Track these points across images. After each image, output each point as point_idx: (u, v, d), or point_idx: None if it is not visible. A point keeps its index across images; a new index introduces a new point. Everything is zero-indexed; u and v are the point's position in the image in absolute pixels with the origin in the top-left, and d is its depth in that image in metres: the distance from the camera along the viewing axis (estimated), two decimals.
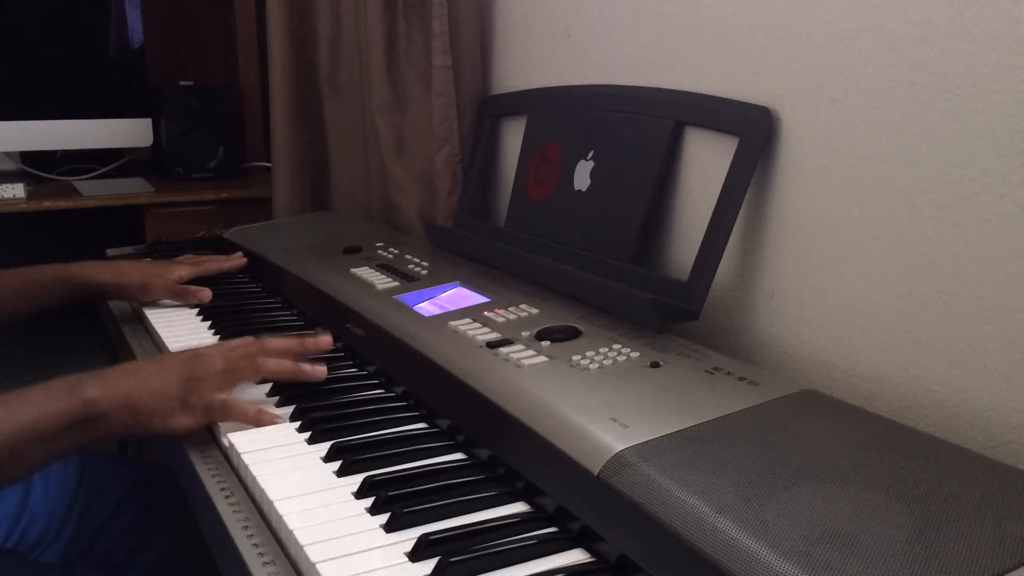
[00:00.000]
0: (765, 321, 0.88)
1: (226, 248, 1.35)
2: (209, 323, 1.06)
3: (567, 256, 1.02)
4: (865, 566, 0.47)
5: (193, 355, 0.79)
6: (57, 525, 0.99)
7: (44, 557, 0.97)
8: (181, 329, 1.05)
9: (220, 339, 1.00)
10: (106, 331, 1.25)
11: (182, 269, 1.16)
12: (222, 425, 0.78)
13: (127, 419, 0.73)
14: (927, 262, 0.73)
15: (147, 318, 1.09)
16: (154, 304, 1.14)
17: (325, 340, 0.86)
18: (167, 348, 0.99)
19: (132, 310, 1.18)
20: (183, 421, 0.76)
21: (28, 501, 0.98)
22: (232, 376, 0.78)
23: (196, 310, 1.11)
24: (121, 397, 0.73)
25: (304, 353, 0.84)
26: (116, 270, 1.13)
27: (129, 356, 1.05)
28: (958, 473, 0.57)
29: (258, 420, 0.77)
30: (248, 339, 0.83)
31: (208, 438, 0.80)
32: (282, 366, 0.81)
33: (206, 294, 1.13)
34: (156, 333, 1.04)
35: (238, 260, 1.26)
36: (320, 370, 0.83)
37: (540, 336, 0.83)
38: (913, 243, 0.74)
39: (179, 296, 1.13)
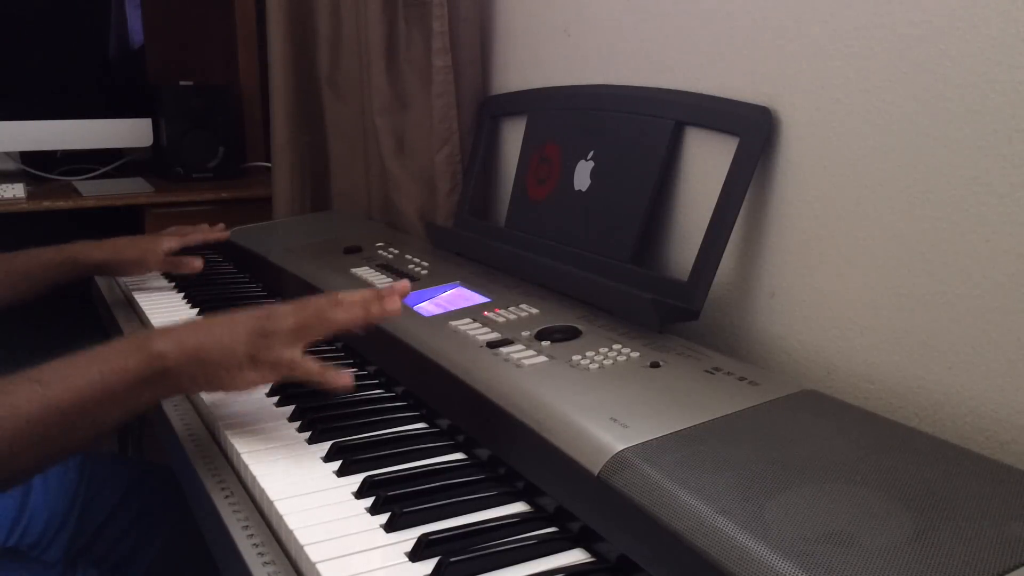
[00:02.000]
0: (765, 321, 0.88)
1: (226, 248, 1.36)
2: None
3: (567, 256, 1.02)
4: (865, 566, 0.47)
5: (265, 312, 0.77)
6: (57, 524, 0.99)
7: (45, 556, 0.97)
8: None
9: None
10: (99, 317, 1.26)
11: (171, 240, 1.21)
12: (221, 425, 0.78)
13: (196, 373, 0.71)
14: (927, 262, 0.73)
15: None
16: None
17: (402, 285, 0.81)
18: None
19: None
20: (251, 376, 0.73)
21: (28, 500, 0.98)
22: (303, 333, 0.75)
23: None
24: (190, 351, 0.71)
25: (379, 300, 0.78)
26: (114, 248, 1.18)
27: None
28: (958, 473, 0.57)
29: (325, 377, 0.75)
30: (323, 295, 0.80)
31: (208, 438, 0.80)
32: (353, 315, 0.77)
33: (198, 263, 1.19)
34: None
35: (220, 232, 1.31)
36: (393, 309, 0.78)
37: (540, 336, 0.83)
38: (913, 243, 0.74)
39: (173, 266, 1.19)
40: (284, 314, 0.75)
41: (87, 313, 1.39)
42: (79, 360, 0.67)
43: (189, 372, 0.71)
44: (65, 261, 1.14)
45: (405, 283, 0.81)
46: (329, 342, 0.99)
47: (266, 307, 0.77)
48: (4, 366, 0.68)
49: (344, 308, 0.76)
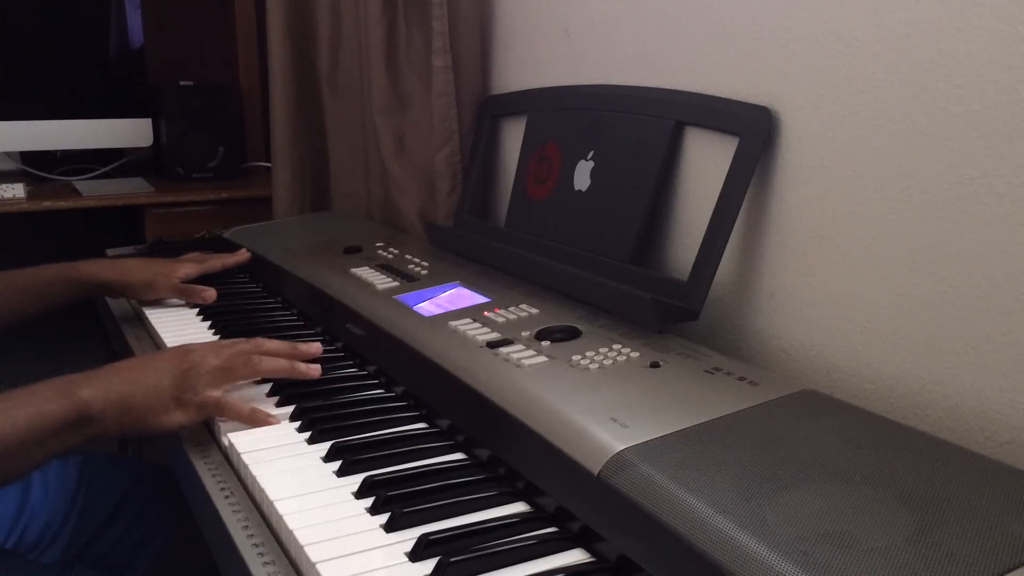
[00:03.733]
0: (765, 321, 0.88)
1: (227, 248, 1.36)
2: (209, 323, 1.06)
3: (567, 256, 1.02)
4: (865, 566, 0.47)
5: (186, 350, 0.79)
6: (57, 525, 0.99)
7: (44, 557, 0.97)
8: (181, 330, 1.05)
9: (220, 339, 1.00)
10: (106, 331, 1.25)
11: (188, 267, 1.16)
12: (222, 425, 0.78)
13: (122, 418, 0.73)
14: (927, 262, 0.73)
15: (147, 318, 1.09)
16: (154, 304, 1.14)
17: (316, 347, 0.87)
18: (166, 346, 0.99)
19: (132, 310, 1.18)
20: (177, 417, 0.75)
21: (28, 501, 0.98)
22: (226, 373, 0.78)
23: (196, 310, 1.11)
24: (115, 396, 0.73)
25: (296, 356, 0.84)
26: (123, 268, 1.14)
27: (128, 355, 1.05)
28: (958, 473, 0.57)
29: (252, 419, 0.77)
30: (242, 339, 0.84)
31: (208, 438, 0.80)
32: (277, 364, 0.82)
33: (211, 293, 1.13)
34: (156, 333, 1.04)
35: (242, 256, 1.26)
36: (314, 368, 0.83)
37: (540, 336, 0.83)
38: (913, 243, 0.74)
39: (184, 295, 1.13)
40: (208, 353, 0.78)
41: (96, 329, 1.38)
42: (4, 402, 0.69)
43: (115, 417, 0.73)
44: (68, 280, 1.10)
45: (318, 345, 0.87)
46: (329, 343, 0.99)
47: (187, 346, 0.80)
48: (10, 377, 0.69)
49: (269, 358, 0.81)
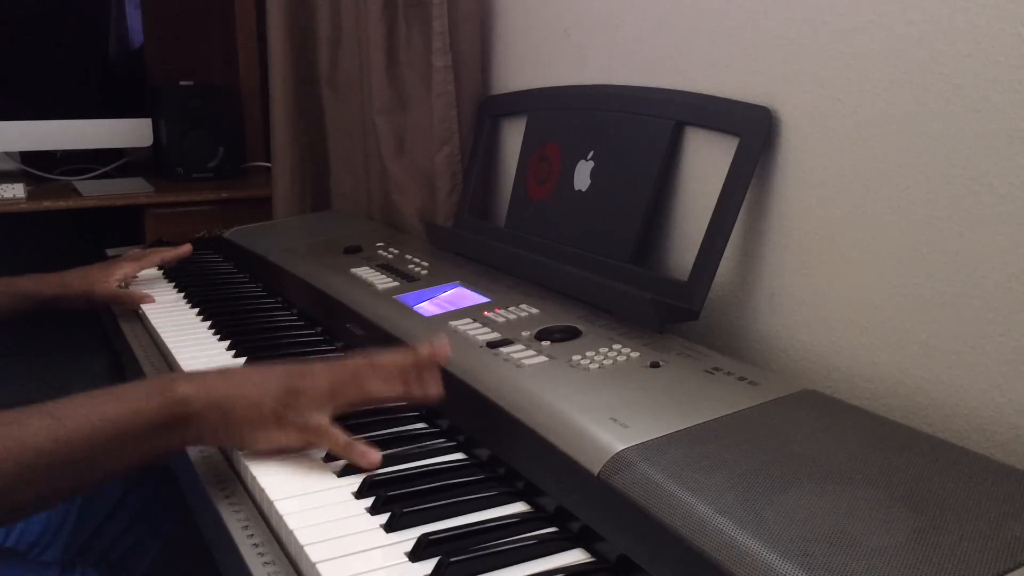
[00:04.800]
0: (765, 321, 0.88)
1: (226, 248, 1.36)
2: (210, 323, 1.06)
3: (567, 256, 1.02)
4: (865, 566, 0.47)
5: (299, 369, 0.72)
6: (56, 524, 0.99)
7: (44, 555, 0.97)
8: (181, 330, 1.05)
9: (220, 339, 1.00)
10: (105, 331, 1.25)
11: (125, 267, 1.15)
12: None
13: (219, 425, 0.67)
14: (927, 262, 0.73)
15: (147, 318, 1.09)
16: (154, 303, 1.14)
17: (442, 347, 0.75)
18: (166, 346, 0.99)
19: (135, 314, 1.18)
20: (275, 437, 0.69)
21: None
22: (336, 397, 0.71)
23: (196, 310, 1.11)
24: (215, 400, 0.67)
25: (418, 367, 0.74)
26: (60, 282, 1.11)
27: (128, 355, 1.05)
28: (958, 473, 0.57)
29: (348, 452, 0.69)
30: (359, 359, 0.75)
31: None
32: (391, 387, 0.73)
33: (148, 298, 1.12)
34: (157, 333, 1.04)
35: (183, 249, 1.24)
36: (434, 390, 0.74)
37: (540, 336, 0.83)
38: (913, 243, 0.74)
39: (121, 300, 1.13)
40: (317, 374, 0.71)
41: (96, 328, 1.38)
42: (97, 397, 0.64)
43: (211, 422, 0.67)
44: (13, 295, 1.08)
45: (446, 346, 0.75)
46: (329, 343, 0.99)
47: (300, 364, 0.73)
48: (10, 376, 0.67)
49: (381, 378, 0.73)
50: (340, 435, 0.70)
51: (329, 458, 0.71)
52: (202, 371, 0.71)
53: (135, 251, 1.23)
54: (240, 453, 0.72)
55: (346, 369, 0.73)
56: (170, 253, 1.22)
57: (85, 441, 0.61)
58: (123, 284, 1.16)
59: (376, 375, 0.73)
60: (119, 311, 1.17)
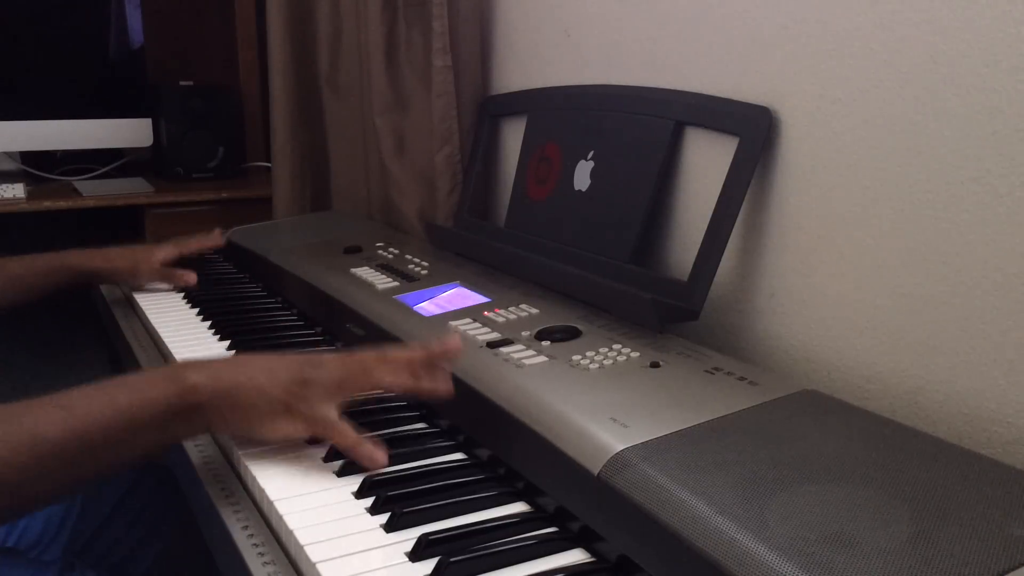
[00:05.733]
0: (765, 321, 0.88)
1: (226, 248, 1.36)
2: (210, 323, 1.06)
3: (567, 256, 1.02)
4: (865, 566, 0.47)
5: (308, 360, 0.72)
6: (56, 524, 0.99)
7: (44, 555, 0.97)
8: (180, 329, 1.05)
9: (220, 339, 1.01)
10: (105, 330, 1.26)
11: (166, 250, 1.23)
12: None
13: (228, 412, 0.68)
14: (927, 262, 0.73)
15: (148, 320, 1.09)
16: (154, 303, 1.15)
17: (453, 344, 0.75)
18: (165, 345, 0.99)
19: (126, 298, 1.22)
20: (284, 426, 0.69)
21: None
22: (346, 388, 0.71)
23: (196, 310, 1.11)
24: (225, 388, 0.68)
25: (429, 362, 0.75)
26: (107, 256, 1.19)
27: (124, 346, 1.06)
28: (958, 473, 0.57)
29: (356, 449, 0.70)
30: (369, 351, 0.75)
31: (208, 438, 0.80)
32: (399, 379, 0.73)
33: (191, 277, 1.20)
34: (156, 333, 1.04)
35: (216, 238, 1.33)
36: (443, 386, 0.74)
37: (540, 336, 0.83)
38: (913, 243, 0.74)
39: (166, 278, 1.20)
40: (328, 365, 0.72)
41: (87, 311, 1.39)
42: (108, 387, 0.65)
43: (221, 410, 0.68)
44: (62, 268, 1.14)
45: (457, 341, 0.75)
46: (329, 343, 0.99)
47: (310, 355, 0.74)
48: (9, 376, 0.67)
49: (391, 369, 0.73)
50: (349, 431, 0.70)
51: (329, 458, 0.71)
52: (212, 359, 0.71)
53: (175, 239, 1.30)
54: (241, 453, 0.72)
55: (356, 361, 0.73)
56: (208, 241, 1.32)
57: (98, 432, 0.62)
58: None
59: (386, 367, 0.73)
60: (118, 310, 1.18)
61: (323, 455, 0.72)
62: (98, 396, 0.63)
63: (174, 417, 0.66)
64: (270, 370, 0.70)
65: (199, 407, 0.67)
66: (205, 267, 1.29)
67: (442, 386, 0.74)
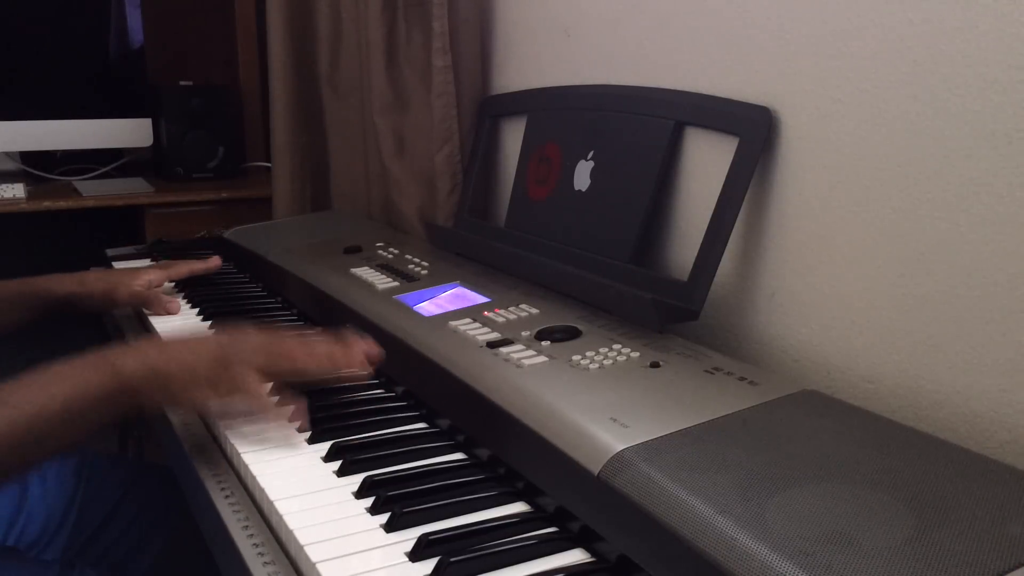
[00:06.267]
0: (765, 321, 0.88)
1: (226, 248, 1.35)
2: (210, 323, 1.06)
3: (567, 256, 1.02)
4: (865, 566, 0.47)
5: (231, 339, 0.77)
6: (56, 523, 0.99)
7: (43, 555, 0.97)
8: (182, 332, 1.05)
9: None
10: (101, 320, 1.25)
11: (151, 274, 1.12)
12: (221, 425, 0.77)
13: (156, 391, 0.72)
14: (927, 262, 0.73)
15: (150, 321, 1.09)
16: (178, 312, 1.11)
17: (376, 355, 0.81)
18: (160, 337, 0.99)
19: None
20: (208, 395, 0.74)
21: (26, 499, 0.98)
22: (266, 370, 0.76)
23: (196, 310, 1.11)
24: (151, 369, 0.72)
25: (348, 364, 0.79)
26: (80, 280, 1.10)
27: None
28: (958, 473, 0.57)
29: (267, 414, 0.75)
30: (292, 336, 0.80)
31: (208, 438, 0.80)
32: (320, 368, 0.78)
33: (175, 306, 1.10)
34: (154, 330, 1.04)
35: (213, 263, 1.21)
36: (363, 372, 0.79)
37: (540, 336, 0.83)
38: (913, 243, 0.74)
39: (147, 303, 1.10)
40: (251, 347, 0.76)
41: (99, 335, 1.37)
42: (42, 378, 0.69)
43: (149, 390, 0.72)
44: (31, 295, 1.05)
45: (375, 350, 0.81)
46: None
47: (233, 332, 0.78)
48: (4, 372, 0.68)
49: (314, 358, 0.78)
50: (265, 398, 0.75)
51: (329, 458, 0.71)
52: (137, 343, 0.78)
53: (164, 261, 1.20)
54: (241, 453, 0.72)
55: (279, 346, 0.78)
56: (200, 265, 1.20)
57: (40, 422, 0.66)
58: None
59: (310, 359, 0.78)
60: (122, 318, 1.17)
61: (323, 454, 0.72)
62: (35, 388, 0.68)
63: (106, 400, 0.70)
64: (193, 350, 0.75)
65: (128, 390, 0.71)
66: (206, 267, 1.29)
67: (361, 370, 0.79)
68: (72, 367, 0.70)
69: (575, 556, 0.58)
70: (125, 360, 0.71)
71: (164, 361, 0.73)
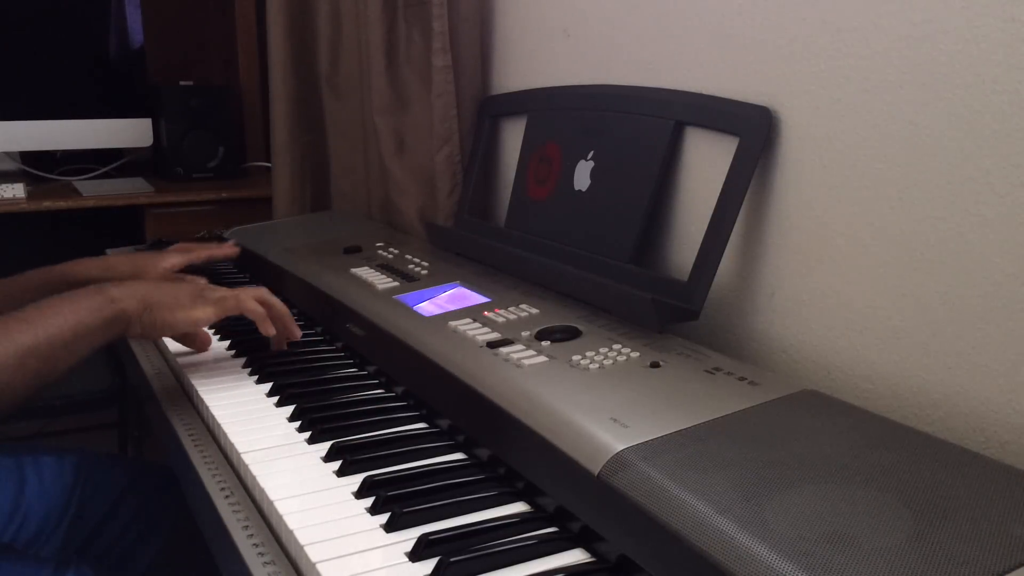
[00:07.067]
0: (765, 321, 0.88)
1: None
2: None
3: (567, 256, 1.02)
4: (865, 566, 0.47)
5: (193, 281, 1.00)
6: (54, 520, 0.99)
7: (41, 552, 0.97)
8: None
9: (220, 338, 1.01)
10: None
11: (173, 257, 1.16)
12: (221, 422, 0.78)
13: (145, 315, 0.85)
14: (927, 262, 0.73)
15: None
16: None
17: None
18: (165, 344, 0.99)
19: None
20: (197, 313, 0.88)
21: (24, 495, 0.98)
22: (225, 300, 0.91)
23: None
24: (140, 297, 0.86)
25: (274, 321, 0.94)
26: (107, 264, 1.12)
27: (128, 354, 1.06)
28: (958, 473, 0.57)
29: (264, 320, 0.91)
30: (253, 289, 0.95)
31: (208, 438, 0.80)
32: (257, 311, 0.92)
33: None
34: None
35: (230, 249, 1.26)
36: (275, 337, 0.94)
37: (540, 336, 0.83)
38: (913, 243, 0.74)
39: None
40: (215, 288, 0.94)
41: None
42: (55, 305, 0.81)
43: (139, 313, 0.85)
44: (56, 280, 1.06)
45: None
46: (329, 343, 0.99)
47: (196, 282, 0.98)
48: None
49: (255, 302, 0.92)
50: (256, 305, 0.92)
51: (329, 458, 0.71)
52: (123, 281, 0.90)
53: (182, 244, 1.24)
54: (242, 453, 0.72)
55: (246, 291, 0.93)
56: (219, 251, 1.26)
57: (56, 337, 0.79)
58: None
59: (255, 299, 0.94)
60: None
61: (323, 454, 0.72)
62: (51, 310, 0.80)
63: (107, 323, 0.83)
64: (173, 284, 0.92)
65: (123, 313, 0.84)
66: (205, 267, 1.29)
67: (278, 343, 0.96)
68: (77, 296, 0.83)
69: (575, 556, 0.59)
70: (117, 291, 0.85)
71: (150, 291, 0.87)
